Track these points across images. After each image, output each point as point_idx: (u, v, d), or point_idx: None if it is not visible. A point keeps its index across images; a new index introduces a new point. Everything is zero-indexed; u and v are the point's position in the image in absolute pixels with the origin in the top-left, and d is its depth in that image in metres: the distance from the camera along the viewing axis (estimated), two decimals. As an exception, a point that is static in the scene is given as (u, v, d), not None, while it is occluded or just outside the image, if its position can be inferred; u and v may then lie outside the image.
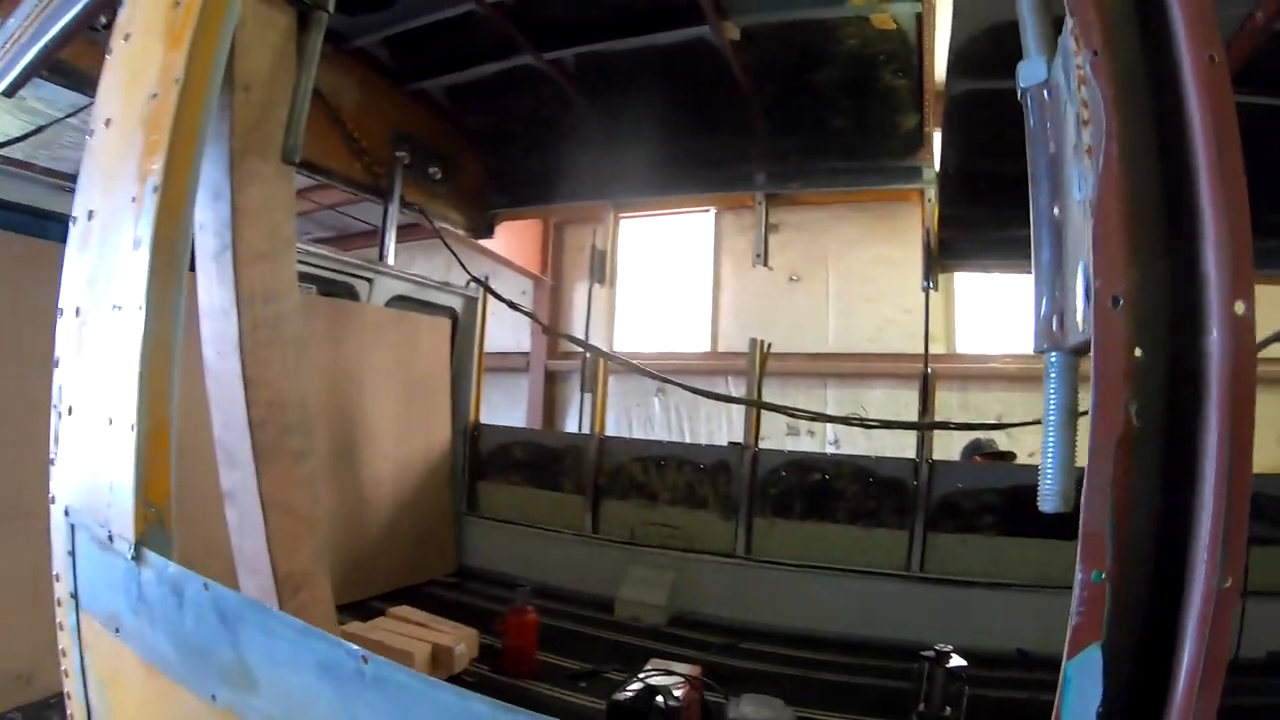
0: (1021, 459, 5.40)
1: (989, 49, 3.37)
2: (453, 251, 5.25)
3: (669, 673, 2.81)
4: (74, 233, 1.42)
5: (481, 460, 5.31)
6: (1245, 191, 0.65)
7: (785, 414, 4.55)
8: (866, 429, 5.78)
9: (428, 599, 4.17)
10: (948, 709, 2.63)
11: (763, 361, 4.66)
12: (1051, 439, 0.92)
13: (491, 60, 4.28)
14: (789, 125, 4.50)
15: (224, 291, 1.36)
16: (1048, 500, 0.96)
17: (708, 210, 8.41)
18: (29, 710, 2.56)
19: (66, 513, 1.37)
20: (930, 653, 2.68)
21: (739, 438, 4.77)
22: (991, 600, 3.62)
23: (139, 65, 1.30)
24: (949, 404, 7.04)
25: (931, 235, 4.27)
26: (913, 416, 5.07)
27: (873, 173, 4.48)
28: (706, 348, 8.86)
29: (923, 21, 3.61)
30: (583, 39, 4.06)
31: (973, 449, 5.55)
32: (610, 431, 8.93)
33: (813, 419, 4.95)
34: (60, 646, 1.42)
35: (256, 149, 1.34)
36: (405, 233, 5.38)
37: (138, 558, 1.12)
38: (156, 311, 1.13)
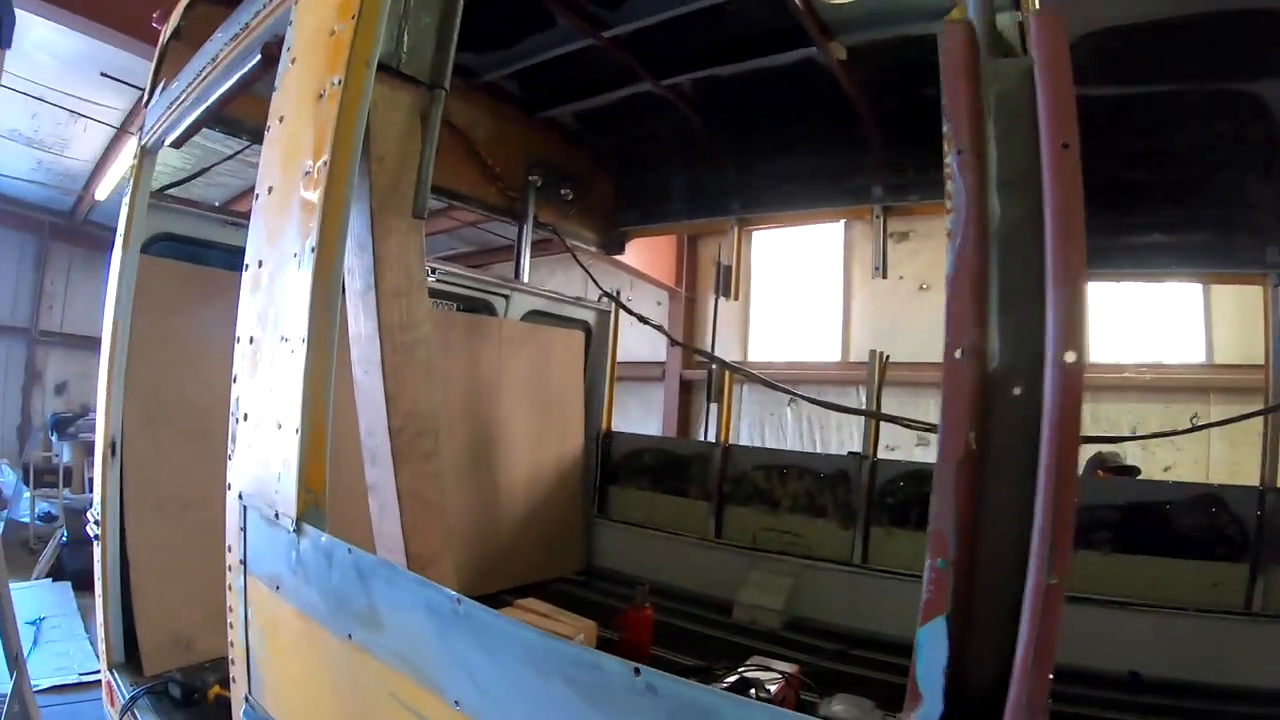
0: (1155, 473, 5.20)
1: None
2: (584, 268, 5.63)
3: (767, 669, 3.00)
4: (246, 277, 1.80)
5: (612, 466, 5.68)
6: (1084, 262, 0.83)
7: (899, 424, 4.59)
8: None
9: (556, 594, 4.47)
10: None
11: (881, 372, 4.74)
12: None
13: (614, 89, 4.59)
14: (903, 138, 4.55)
15: (369, 323, 1.70)
16: None
17: (838, 220, 8.47)
18: (187, 672, 3.05)
19: (240, 497, 1.75)
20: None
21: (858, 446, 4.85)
22: (1106, 619, 3.57)
23: (293, 145, 1.67)
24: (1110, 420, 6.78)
25: None
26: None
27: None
28: (838, 357, 8.90)
29: (1024, 30, 3.61)
30: (696, 66, 4.29)
31: (1096, 463, 5.37)
32: (744, 440, 9.16)
33: (926, 429, 4.94)
34: (228, 604, 1.81)
35: (392, 207, 1.67)
36: (542, 247, 5.80)
37: (298, 531, 1.46)
38: (316, 343, 1.47)
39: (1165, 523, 3.80)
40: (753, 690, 2.76)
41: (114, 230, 3.55)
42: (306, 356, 1.46)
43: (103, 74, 7.08)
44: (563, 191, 5.57)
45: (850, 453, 4.75)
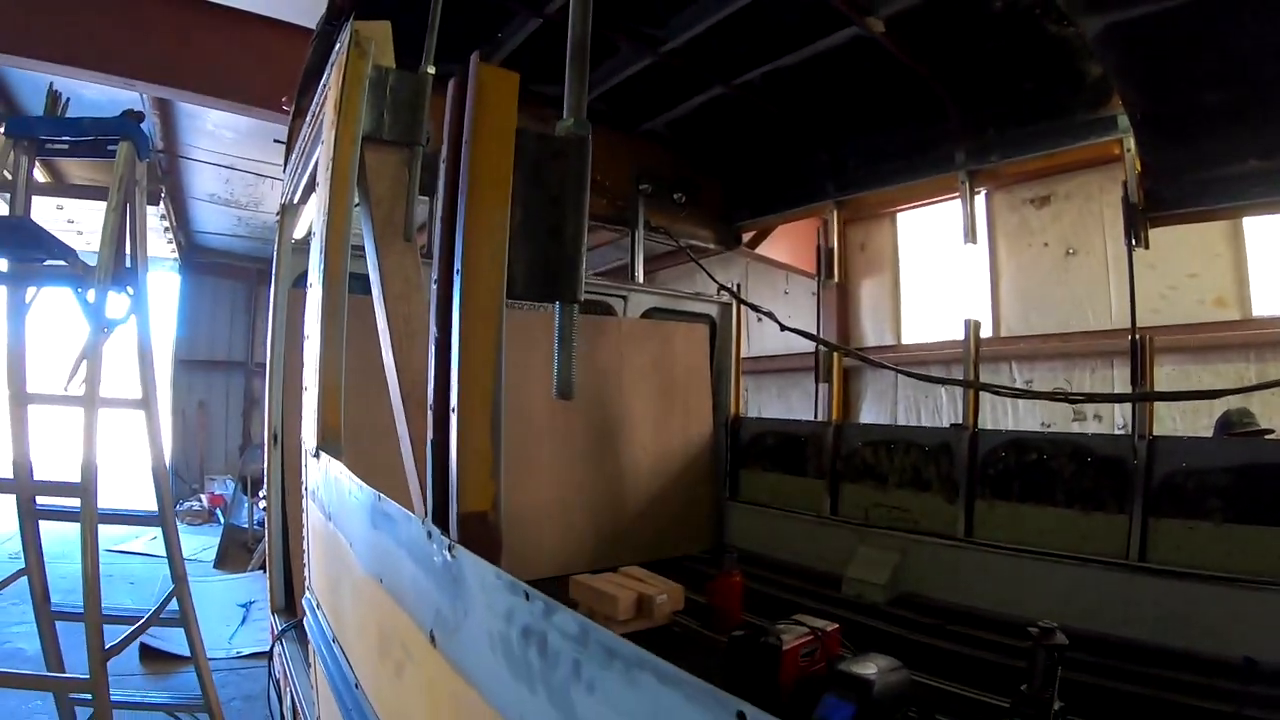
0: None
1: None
2: (700, 265, 6.18)
3: (802, 624, 3.35)
4: (309, 294, 2.67)
5: (741, 449, 6.17)
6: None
7: (994, 392, 4.74)
8: (1072, 404, 5.56)
9: (681, 569, 4.90)
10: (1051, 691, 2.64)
11: (976, 343, 4.91)
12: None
13: (693, 96, 5.18)
14: (975, 98, 4.76)
15: (382, 317, 2.46)
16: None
17: (979, 192, 8.40)
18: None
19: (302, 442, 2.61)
20: (1035, 629, 2.68)
21: (1020, 425, 4.94)
22: (1219, 597, 3.38)
23: (324, 199, 2.48)
24: (1244, 377, 6.43)
25: (1131, 189, 4.22)
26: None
27: (1070, 130, 4.53)
28: (988, 333, 8.83)
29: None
30: (755, 63, 4.76)
31: (1223, 425, 5.14)
32: (901, 422, 9.26)
33: (1014, 396, 4.98)
34: (304, 509, 2.69)
35: (389, 235, 2.40)
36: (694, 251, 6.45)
37: (317, 456, 2.25)
38: (326, 336, 2.27)
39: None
40: (766, 637, 3.07)
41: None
42: (319, 343, 2.25)
43: (275, 140, 8.61)
44: (675, 196, 6.21)
45: (952, 424, 4.93)
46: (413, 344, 2.45)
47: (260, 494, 11.46)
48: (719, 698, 0.70)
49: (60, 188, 11.41)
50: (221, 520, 13.26)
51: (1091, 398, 5.02)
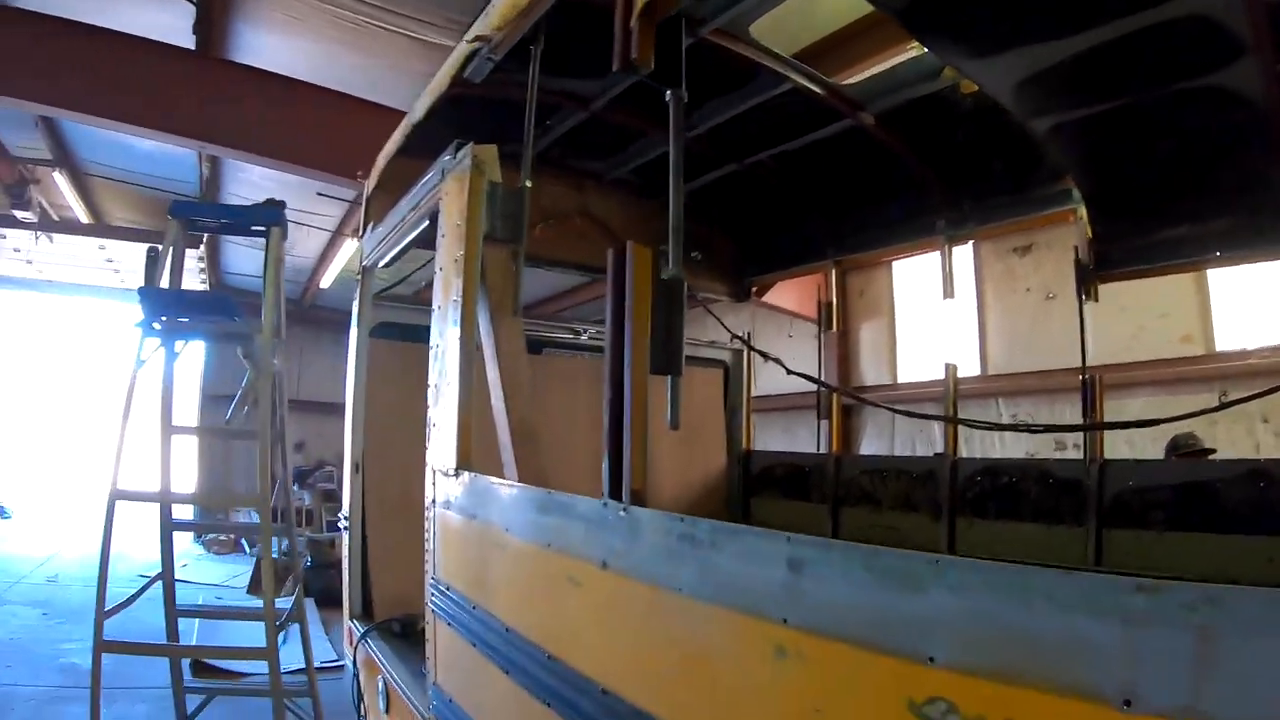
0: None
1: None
2: (715, 316, 6.95)
3: None
4: (432, 352, 3.62)
5: (752, 479, 7.03)
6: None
7: (967, 425, 5.62)
8: (1033, 433, 6.53)
9: None
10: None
11: (954, 383, 5.82)
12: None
13: (711, 170, 6.14)
14: (953, 176, 5.52)
15: (494, 372, 3.38)
16: None
17: (967, 242, 9.43)
18: (404, 618, 4.83)
19: (431, 466, 3.53)
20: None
21: (1008, 454, 5.76)
22: None
23: (446, 282, 3.41)
24: (1209, 405, 7.24)
25: (1082, 250, 5.00)
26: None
27: (1033, 202, 5.32)
28: (977, 371, 9.83)
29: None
30: (767, 146, 5.66)
31: (1171, 448, 6.04)
32: (897, 453, 10.20)
33: (985, 428, 5.96)
34: (425, 524, 3.60)
35: (501, 310, 3.33)
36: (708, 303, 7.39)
37: (456, 475, 3.18)
38: (461, 384, 3.21)
39: (1216, 500, 4.16)
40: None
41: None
42: (458, 389, 3.20)
43: (319, 194, 9.64)
44: (693, 255, 7.13)
45: (936, 454, 5.82)
46: (518, 389, 3.40)
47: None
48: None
49: (102, 228, 12.51)
50: (247, 550, 14.15)
51: (1048, 428, 5.95)
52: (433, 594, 3.50)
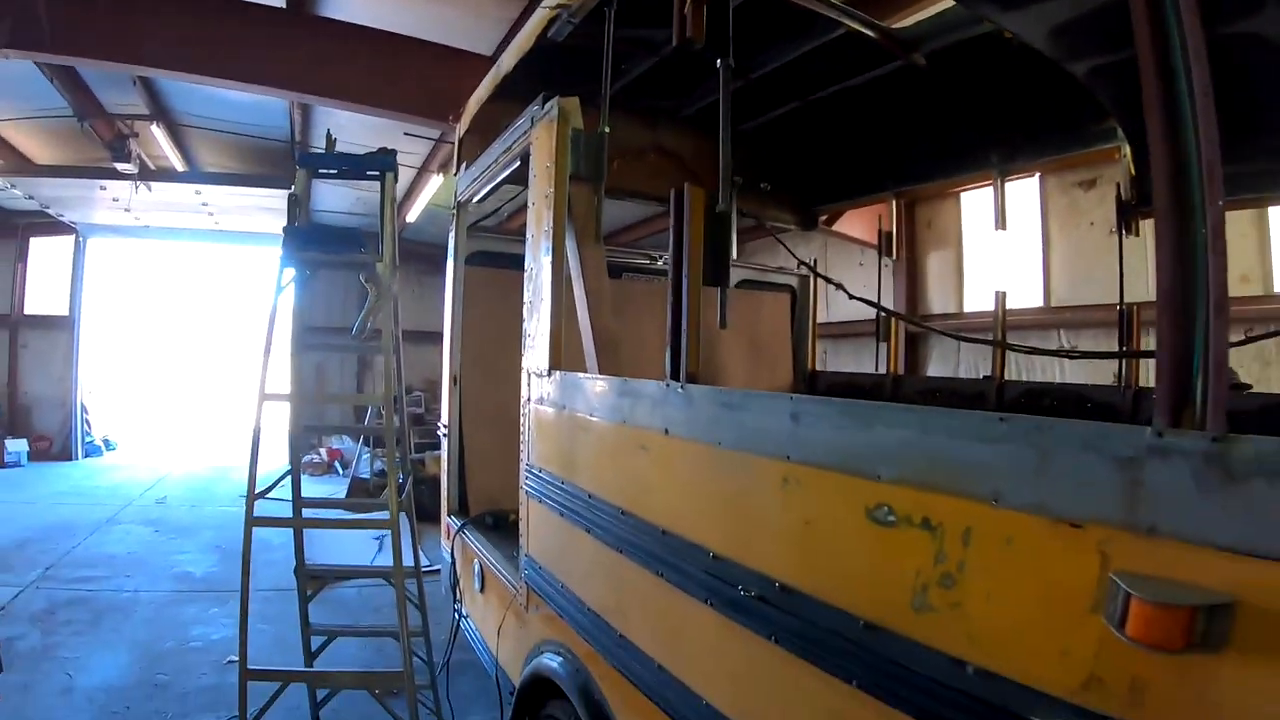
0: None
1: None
2: (784, 244, 7.70)
3: None
4: (526, 275, 4.30)
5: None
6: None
7: (1022, 351, 6.12)
8: (1071, 358, 6.92)
9: None
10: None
11: (1003, 311, 6.30)
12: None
13: (776, 108, 6.63)
14: (1006, 113, 5.81)
15: (580, 290, 4.03)
16: None
17: (1032, 176, 9.72)
18: (496, 512, 5.64)
19: (525, 369, 4.28)
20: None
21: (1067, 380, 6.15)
22: None
23: (538, 216, 4.04)
24: (1264, 348, 7.55)
25: (1124, 188, 5.28)
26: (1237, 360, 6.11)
27: (1081, 139, 5.60)
28: (1040, 303, 10.16)
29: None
30: (827, 84, 6.06)
31: None
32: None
33: (1028, 352, 6.42)
34: (521, 424, 4.33)
35: (586, 238, 3.87)
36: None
37: (549, 374, 3.89)
38: (553, 299, 3.87)
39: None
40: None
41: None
42: (550, 305, 3.89)
43: (405, 134, 10.38)
44: (762, 185, 7.67)
45: (985, 376, 6.34)
46: (601, 306, 4.06)
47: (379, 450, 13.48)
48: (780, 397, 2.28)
49: (213, 175, 13.55)
50: (340, 471, 15.45)
51: (1084, 354, 6.35)
52: (527, 478, 4.23)
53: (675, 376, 2.80)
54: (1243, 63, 4.50)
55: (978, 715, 1.62)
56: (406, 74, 8.87)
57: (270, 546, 6.35)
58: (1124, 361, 5.48)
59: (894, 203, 7.32)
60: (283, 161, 13.39)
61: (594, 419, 3.45)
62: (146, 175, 12.92)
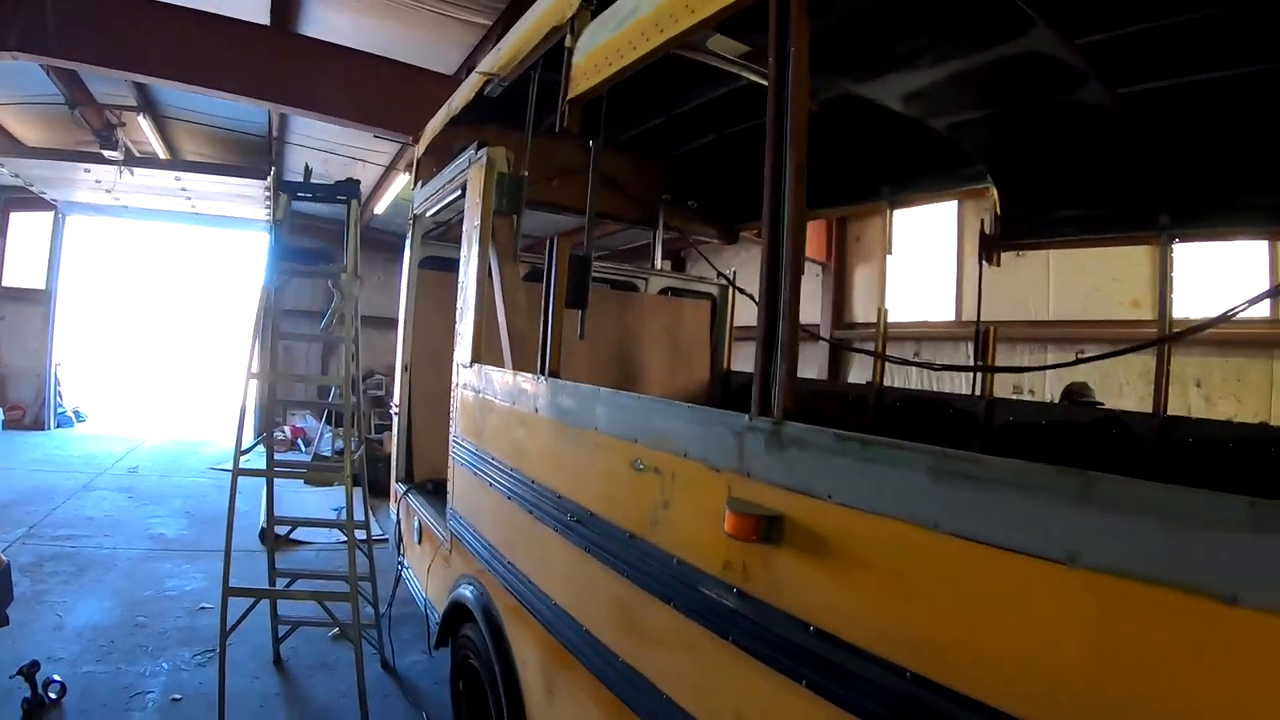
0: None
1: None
2: (703, 255, 8.88)
3: None
4: (460, 283, 5.42)
5: (731, 393, 8.67)
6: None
7: (893, 362, 7.29)
8: (934, 371, 8.16)
9: None
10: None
11: (884, 326, 7.37)
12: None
13: (700, 137, 7.65)
14: (897, 152, 6.52)
15: (500, 300, 5.13)
16: None
17: (952, 201, 10.98)
18: (436, 480, 6.63)
19: (455, 361, 5.40)
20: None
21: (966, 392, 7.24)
22: None
23: (469, 238, 5.16)
24: (1148, 368, 8.44)
25: (988, 222, 6.06)
26: (1116, 378, 7.23)
27: (960, 178, 6.35)
28: (952, 317, 11.41)
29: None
30: (740, 120, 6.93)
31: (1065, 394, 7.45)
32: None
33: (902, 364, 7.71)
34: (450, 405, 5.48)
35: (505, 257, 4.88)
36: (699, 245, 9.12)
37: (471, 366, 4.99)
38: (479, 306, 4.98)
39: (1076, 438, 5.30)
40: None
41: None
42: (474, 310, 5.01)
43: (375, 135, 11.46)
44: (689, 203, 8.77)
45: (867, 382, 7.44)
46: (517, 312, 5.17)
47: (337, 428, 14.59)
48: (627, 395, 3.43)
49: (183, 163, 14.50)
50: (303, 448, 16.59)
51: (945, 367, 7.51)
52: (454, 447, 5.35)
53: (543, 371, 3.92)
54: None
55: (680, 586, 2.72)
56: (375, 90, 9.96)
57: (239, 513, 7.26)
58: (979, 375, 6.29)
59: (831, 220, 8.40)
60: (260, 153, 14.42)
61: (497, 401, 4.57)
62: (131, 161, 13.86)
